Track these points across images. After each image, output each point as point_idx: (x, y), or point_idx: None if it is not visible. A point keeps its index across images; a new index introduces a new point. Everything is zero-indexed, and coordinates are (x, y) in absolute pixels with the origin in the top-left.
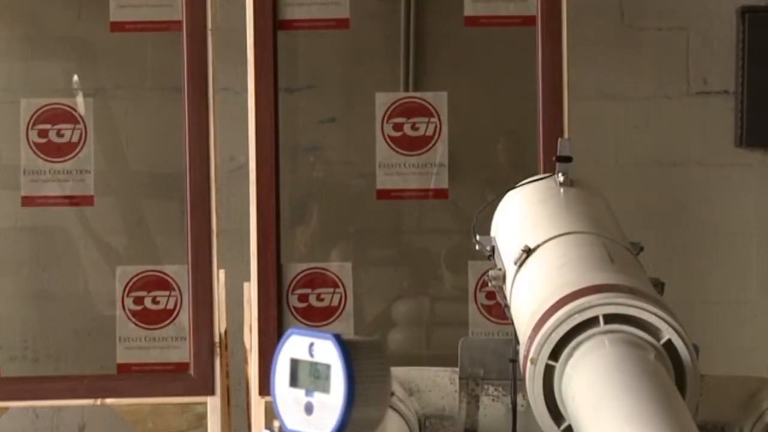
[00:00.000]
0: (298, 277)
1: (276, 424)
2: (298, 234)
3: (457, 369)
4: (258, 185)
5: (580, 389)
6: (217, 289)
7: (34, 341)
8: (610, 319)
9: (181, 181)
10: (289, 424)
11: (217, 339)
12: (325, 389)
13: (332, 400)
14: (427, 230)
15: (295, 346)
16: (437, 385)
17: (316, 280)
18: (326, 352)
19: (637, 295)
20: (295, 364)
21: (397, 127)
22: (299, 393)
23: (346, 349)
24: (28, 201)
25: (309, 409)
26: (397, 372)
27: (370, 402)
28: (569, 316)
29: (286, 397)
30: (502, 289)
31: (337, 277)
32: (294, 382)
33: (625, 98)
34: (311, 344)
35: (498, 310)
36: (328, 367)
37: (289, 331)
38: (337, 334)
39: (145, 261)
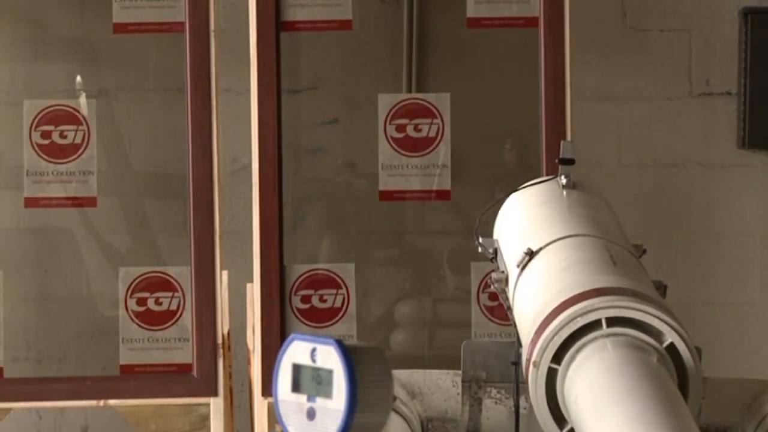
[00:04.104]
0: (301, 278)
1: (278, 428)
2: (301, 235)
3: (460, 372)
4: (261, 186)
5: (583, 392)
6: (220, 291)
7: (37, 342)
8: (612, 322)
9: (183, 182)
10: (291, 430)
11: (220, 340)
12: (328, 395)
13: (334, 406)
14: (430, 231)
15: (297, 351)
16: (440, 387)
17: (318, 281)
18: (328, 357)
19: (639, 298)
20: (297, 369)
21: (400, 128)
22: (301, 398)
23: (349, 354)
24: (31, 202)
25: (311, 414)
26: (400, 374)
27: (373, 407)
28: (572, 319)
29: (289, 402)
30: (504, 292)
31: (340, 278)
32: (296, 387)
33: (627, 100)
34: (313, 349)
35: (501, 312)
36: (330, 372)
37: (291, 336)
38: (339, 339)
39: (148, 262)
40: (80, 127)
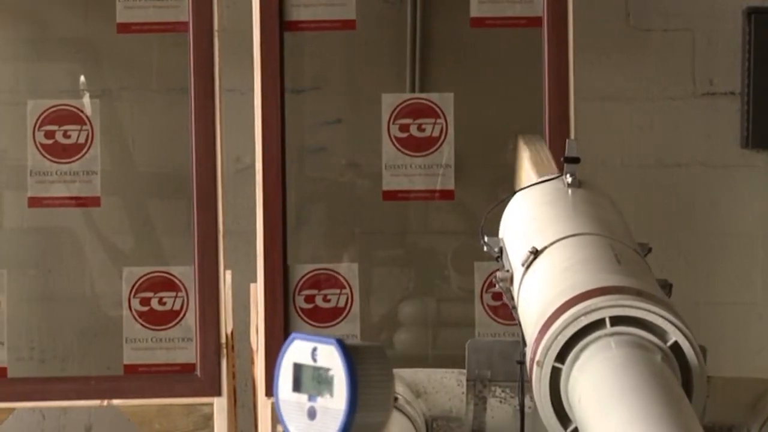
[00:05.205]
0: (305, 278)
1: (279, 429)
2: (304, 235)
3: (464, 371)
4: (264, 186)
5: (587, 391)
6: (224, 290)
7: (40, 342)
8: (616, 321)
9: (187, 181)
10: (292, 430)
11: (223, 340)
12: (329, 394)
13: (335, 405)
14: (434, 231)
15: (298, 350)
16: (444, 386)
17: (322, 281)
18: (329, 357)
19: (643, 297)
20: (298, 368)
21: (404, 128)
22: (302, 398)
23: (349, 354)
24: (34, 202)
25: (312, 414)
26: (404, 373)
27: (373, 407)
28: (575, 318)
29: (289, 402)
30: (509, 291)
31: (344, 278)
32: (297, 387)
33: (630, 99)
34: (314, 349)
35: (504, 311)
36: (331, 372)
37: (292, 335)
38: (340, 339)
39: (151, 262)
40: (84, 127)
